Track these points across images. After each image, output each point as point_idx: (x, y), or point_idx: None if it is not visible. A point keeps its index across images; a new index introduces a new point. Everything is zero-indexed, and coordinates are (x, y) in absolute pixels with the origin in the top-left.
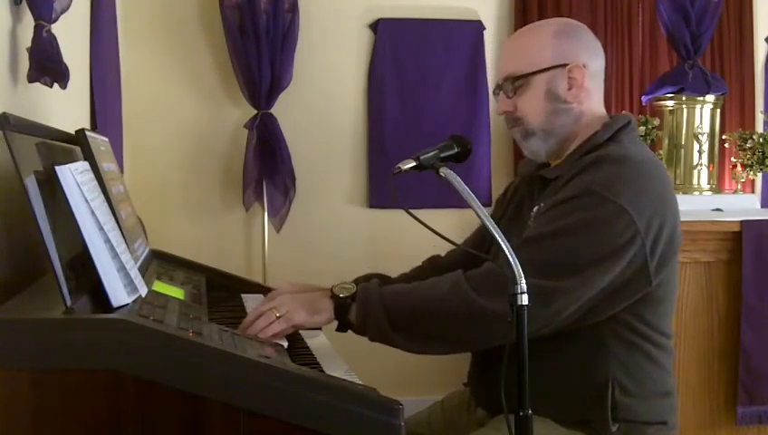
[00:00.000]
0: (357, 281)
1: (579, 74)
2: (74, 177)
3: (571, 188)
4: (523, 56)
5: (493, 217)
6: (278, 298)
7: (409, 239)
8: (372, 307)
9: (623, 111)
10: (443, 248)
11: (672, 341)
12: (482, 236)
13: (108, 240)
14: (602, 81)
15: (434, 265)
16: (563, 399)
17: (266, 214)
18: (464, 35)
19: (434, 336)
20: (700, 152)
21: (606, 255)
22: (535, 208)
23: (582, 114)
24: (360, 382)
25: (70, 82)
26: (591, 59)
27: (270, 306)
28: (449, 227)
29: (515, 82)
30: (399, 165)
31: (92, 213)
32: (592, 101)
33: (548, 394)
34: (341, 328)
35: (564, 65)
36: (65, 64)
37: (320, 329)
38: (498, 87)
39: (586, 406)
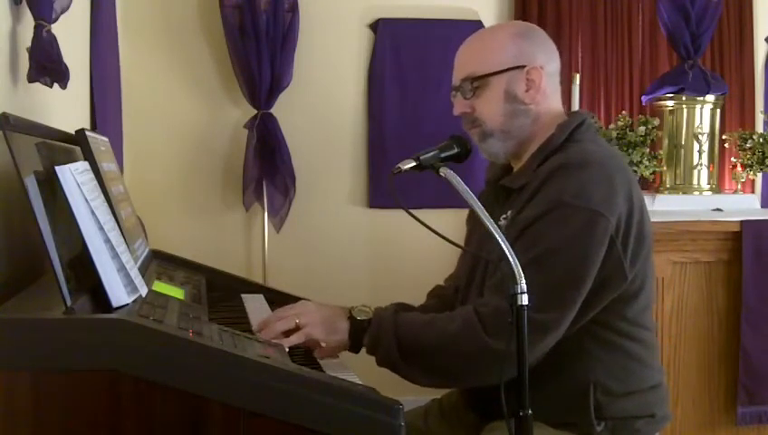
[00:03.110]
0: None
1: (536, 76)
2: (74, 177)
3: (541, 202)
4: (482, 57)
5: (469, 225)
6: (301, 306)
7: (409, 239)
8: (384, 334)
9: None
10: (441, 248)
11: (653, 333)
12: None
13: (108, 240)
14: (558, 82)
15: (440, 297)
16: (547, 402)
17: (266, 214)
18: (464, 35)
19: (443, 372)
20: (700, 152)
21: (593, 262)
22: (502, 218)
23: (540, 115)
24: (360, 382)
25: (70, 82)
26: (548, 61)
27: (293, 313)
28: (449, 227)
29: (474, 83)
30: (399, 165)
31: (92, 213)
32: (550, 103)
33: (532, 398)
34: (354, 349)
35: (522, 67)
36: (65, 64)
37: None
38: (456, 88)
39: (569, 408)
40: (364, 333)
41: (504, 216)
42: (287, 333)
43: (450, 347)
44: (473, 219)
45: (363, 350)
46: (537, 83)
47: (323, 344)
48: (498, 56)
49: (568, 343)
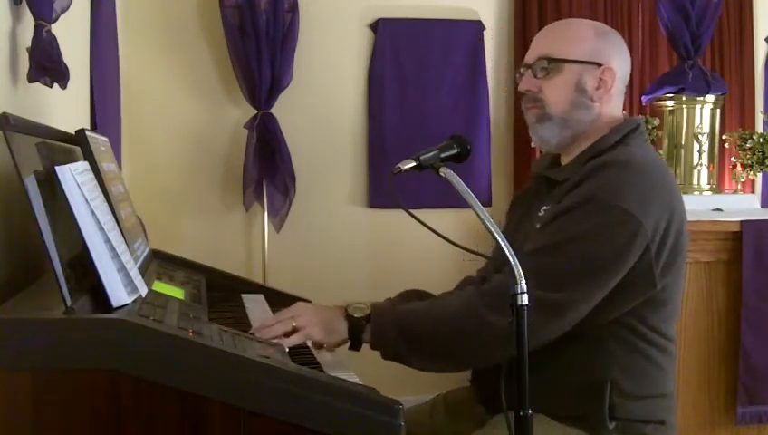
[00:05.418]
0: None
1: (609, 77)
2: (74, 177)
3: (576, 195)
4: (565, 42)
5: (508, 217)
6: (298, 308)
7: (409, 239)
8: (386, 328)
9: (643, 115)
10: (441, 248)
11: (673, 344)
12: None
13: (108, 240)
14: (624, 90)
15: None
16: (560, 394)
17: (266, 214)
18: (464, 35)
19: (449, 355)
20: (700, 152)
21: (615, 259)
22: (542, 209)
23: (600, 116)
24: (359, 382)
25: (70, 82)
26: (622, 67)
27: (290, 315)
28: (449, 227)
29: (550, 64)
30: (399, 165)
31: (92, 213)
32: (612, 106)
33: (544, 389)
34: (355, 347)
35: (599, 65)
36: (65, 64)
37: None
38: (527, 66)
39: (583, 402)
40: (362, 330)
41: (545, 207)
42: (286, 335)
43: (451, 326)
44: (511, 211)
45: (365, 346)
46: (608, 84)
47: (324, 345)
48: (579, 47)
49: (590, 339)
